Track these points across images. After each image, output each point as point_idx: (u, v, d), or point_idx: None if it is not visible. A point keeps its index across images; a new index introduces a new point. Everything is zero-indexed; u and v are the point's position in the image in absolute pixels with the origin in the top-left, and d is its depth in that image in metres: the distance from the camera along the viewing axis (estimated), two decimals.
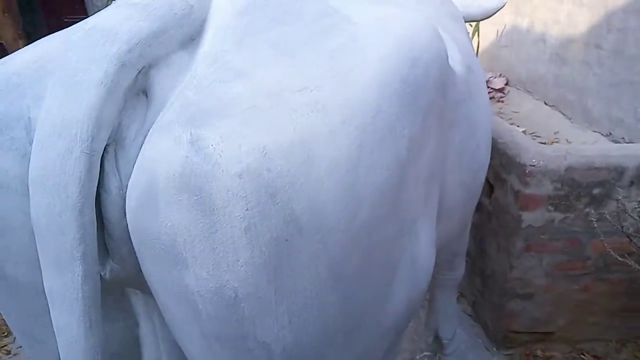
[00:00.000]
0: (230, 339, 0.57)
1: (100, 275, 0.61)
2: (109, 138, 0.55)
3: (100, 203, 0.56)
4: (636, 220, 1.60)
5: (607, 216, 1.69)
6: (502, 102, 3.79)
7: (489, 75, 4.07)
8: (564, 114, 3.12)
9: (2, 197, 0.58)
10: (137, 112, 0.57)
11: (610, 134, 2.63)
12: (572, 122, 3.00)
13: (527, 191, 1.87)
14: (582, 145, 2.18)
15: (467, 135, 1.00)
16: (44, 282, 0.55)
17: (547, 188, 1.86)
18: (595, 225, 1.70)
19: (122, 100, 0.55)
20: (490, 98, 3.95)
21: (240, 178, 0.50)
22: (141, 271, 0.60)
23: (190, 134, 0.50)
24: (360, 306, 0.64)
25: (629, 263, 1.59)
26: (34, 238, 0.59)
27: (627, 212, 1.65)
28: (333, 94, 0.57)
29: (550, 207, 1.88)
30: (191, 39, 0.63)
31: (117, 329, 0.71)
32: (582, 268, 1.98)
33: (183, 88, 0.56)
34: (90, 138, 0.51)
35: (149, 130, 0.56)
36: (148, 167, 0.52)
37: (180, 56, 0.61)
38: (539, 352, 2.09)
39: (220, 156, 0.50)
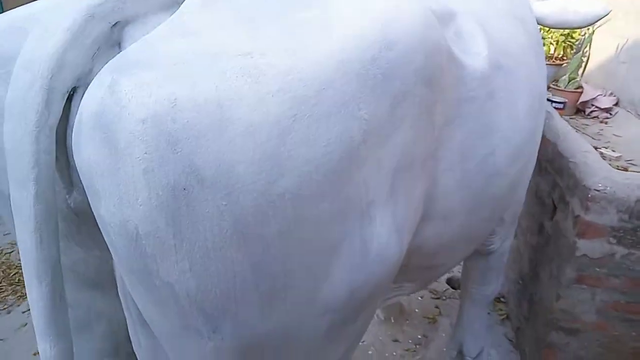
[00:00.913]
0: (139, 273, 0.63)
1: (68, 203, 0.71)
2: (79, 81, 0.64)
3: (66, 138, 0.65)
4: None
5: None
6: (606, 123, 3.40)
7: (598, 92, 3.68)
8: None
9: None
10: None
11: None
12: None
13: (587, 217, 1.70)
14: None
15: (475, 137, 0.96)
16: (10, 196, 0.65)
17: (611, 217, 1.68)
18: None
19: (91, 48, 0.63)
20: (594, 117, 3.57)
21: (143, 123, 0.55)
22: None
23: (112, 78, 0.57)
24: (280, 276, 0.66)
25: None
26: None
27: None
28: (277, 62, 0.60)
29: (612, 239, 1.70)
30: (177, 2, 0.70)
31: (92, 257, 0.81)
32: None
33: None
34: (50, 75, 0.60)
35: None
36: (81, 105, 0.60)
37: (159, 17, 0.68)
38: None
39: (130, 101, 0.55)
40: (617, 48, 3.73)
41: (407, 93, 0.73)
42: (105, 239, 0.65)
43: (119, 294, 0.85)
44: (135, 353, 0.95)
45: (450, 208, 0.97)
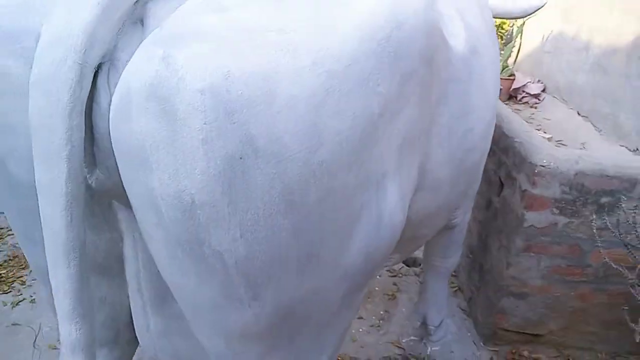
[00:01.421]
0: (188, 244, 0.63)
1: (89, 182, 0.69)
2: (104, 57, 0.62)
3: (92, 115, 0.64)
4: (638, 233, 1.59)
5: (609, 224, 1.68)
6: (535, 108, 3.71)
7: (527, 79, 3.99)
8: (594, 126, 3.05)
9: (12, 99, 0.66)
10: (133, 38, 0.64)
11: (638, 149, 2.56)
12: (601, 135, 2.92)
13: (534, 191, 1.87)
14: (598, 152, 2.15)
15: (459, 115, 1.04)
16: (35, 175, 0.63)
17: (554, 190, 1.86)
18: (595, 232, 1.69)
19: (117, 23, 0.62)
20: (524, 103, 3.87)
21: (201, 94, 0.56)
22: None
23: (163, 51, 0.57)
24: (316, 242, 0.70)
25: (624, 273, 1.59)
26: None
27: (630, 223, 1.63)
28: (308, 38, 0.63)
29: (555, 210, 1.88)
30: None
31: (103, 240, 0.79)
32: (581, 275, 1.97)
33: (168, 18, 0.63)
34: (83, 50, 0.58)
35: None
36: (125, 79, 0.59)
37: None
38: (525, 353, 2.10)
39: (186, 72, 0.56)
40: (543, 39, 4.05)
41: (413, 72, 0.78)
42: (148, 215, 0.64)
43: (129, 277, 0.84)
44: (139, 338, 0.93)
45: (438, 180, 1.05)
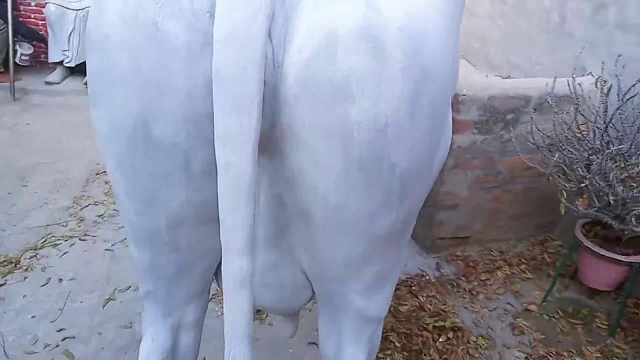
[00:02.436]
0: (370, 161, 0.73)
1: None
2: None
3: None
4: (544, 134, 2.04)
5: (523, 133, 2.11)
6: None
7: None
8: (469, 61, 3.59)
9: (172, 60, 0.66)
10: None
11: (509, 76, 3.12)
12: (476, 68, 3.47)
13: (459, 117, 2.22)
14: (500, 79, 2.61)
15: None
16: (216, 126, 0.66)
17: (473, 114, 2.23)
18: (514, 141, 2.11)
19: None
20: None
21: (400, 31, 0.67)
22: (274, 127, 0.73)
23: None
24: (434, 149, 0.84)
25: (538, 170, 2.04)
26: (189, 101, 0.70)
27: (538, 129, 2.08)
28: None
29: (474, 131, 2.27)
30: None
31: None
32: (494, 181, 2.43)
33: None
34: (271, 5, 0.63)
35: (287, 8, 0.69)
36: (325, 25, 0.66)
37: None
38: (459, 253, 2.53)
39: (389, 14, 0.67)
40: None
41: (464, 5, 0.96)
42: (328, 143, 0.70)
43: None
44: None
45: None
